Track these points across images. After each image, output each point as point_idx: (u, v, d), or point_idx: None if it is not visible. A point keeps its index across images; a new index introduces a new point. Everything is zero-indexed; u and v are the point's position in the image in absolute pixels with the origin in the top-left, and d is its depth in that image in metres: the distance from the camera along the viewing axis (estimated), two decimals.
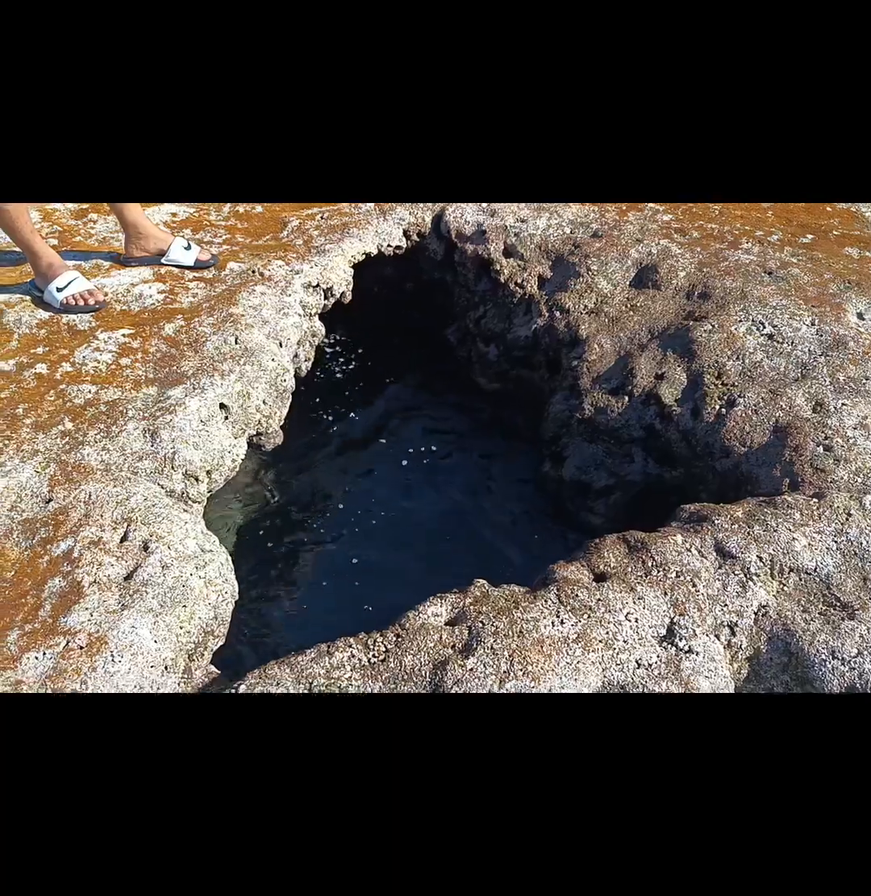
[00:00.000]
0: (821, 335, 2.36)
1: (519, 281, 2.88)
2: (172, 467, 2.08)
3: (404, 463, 2.97)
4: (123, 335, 2.46)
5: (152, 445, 2.11)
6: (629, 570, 1.75)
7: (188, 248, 2.76)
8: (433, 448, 3.05)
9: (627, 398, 2.43)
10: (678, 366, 2.38)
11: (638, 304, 2.64)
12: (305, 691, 1.54)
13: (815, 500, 1.88)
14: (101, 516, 1.91)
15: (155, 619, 1.72)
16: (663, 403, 2.35)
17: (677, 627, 1.64)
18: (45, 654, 1.63)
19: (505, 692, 1.51)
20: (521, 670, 1.53)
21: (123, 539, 1.87)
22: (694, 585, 1.70)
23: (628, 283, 2.74)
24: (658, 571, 1.73)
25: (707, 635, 1.64)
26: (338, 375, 3.30)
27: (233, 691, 1.56)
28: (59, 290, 2.52)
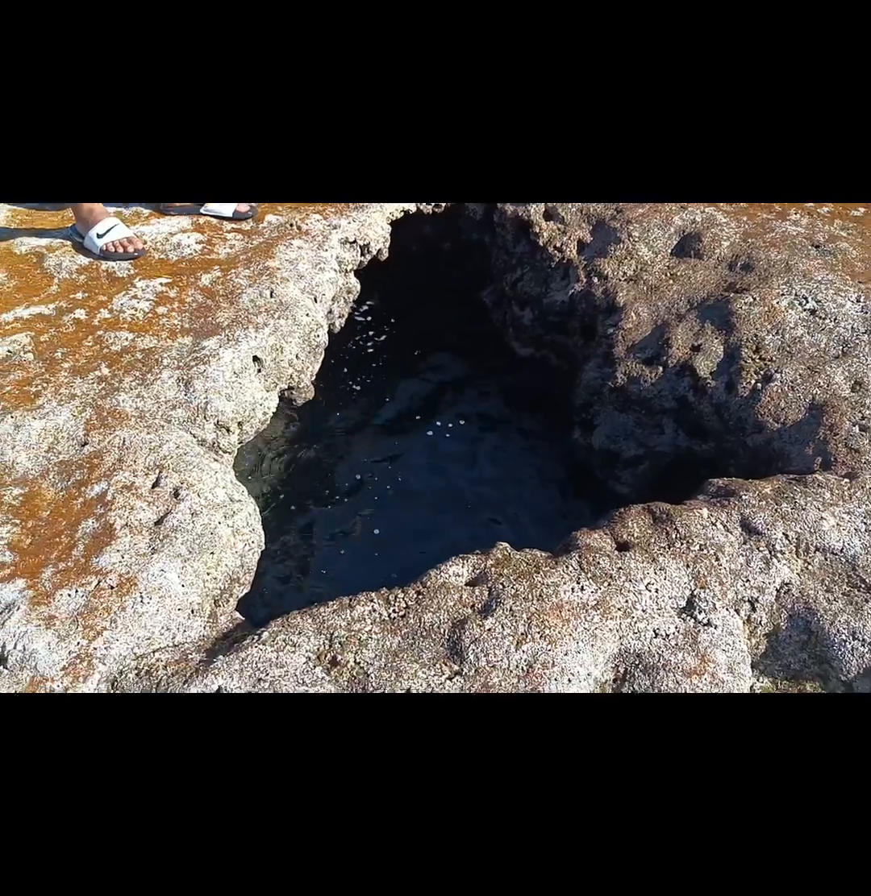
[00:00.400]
0: (866, 312, 2.30)
1: (558, 245, 2.84)
2: (205, 417, 2.11)
3: (432, 426, 2.98)
4: (161, 284, 2.49)
5: (186, 395, 2.14)
6: (653, 540, 1.75)
7: None
8: (462, 410, 3.05)
9: (661, 368, 2.40)
10: (716, 338, 2.34)
11: (679, 273, 2.60)
12: (327, 642, 1.57)
13: (847, 480, 1.86)
14: (135, 462, 1.95)
15: (183, 564, 1.76)
16: (697, 375, 2.32)
17: (697, 600, 1.64)
18: (77, 591, 1.69)
19: (522, 657, 1.53)
20: (538, 633, 1.55)
21: (155, 485, 1.92)
22: (717, 559, 1.70)
23: (669, 251, 2.69)
24: (682, 543, 1.73)
25: (727, 609, 1.64)
26: (370, 334, 3.30)
27: (255, 637, 1.60)
28: (99, 236, 2.54)
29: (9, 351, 2.23)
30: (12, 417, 2.04)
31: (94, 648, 1.61)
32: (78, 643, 1.61)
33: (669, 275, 2.61)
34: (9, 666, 1.58)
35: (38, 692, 1.54)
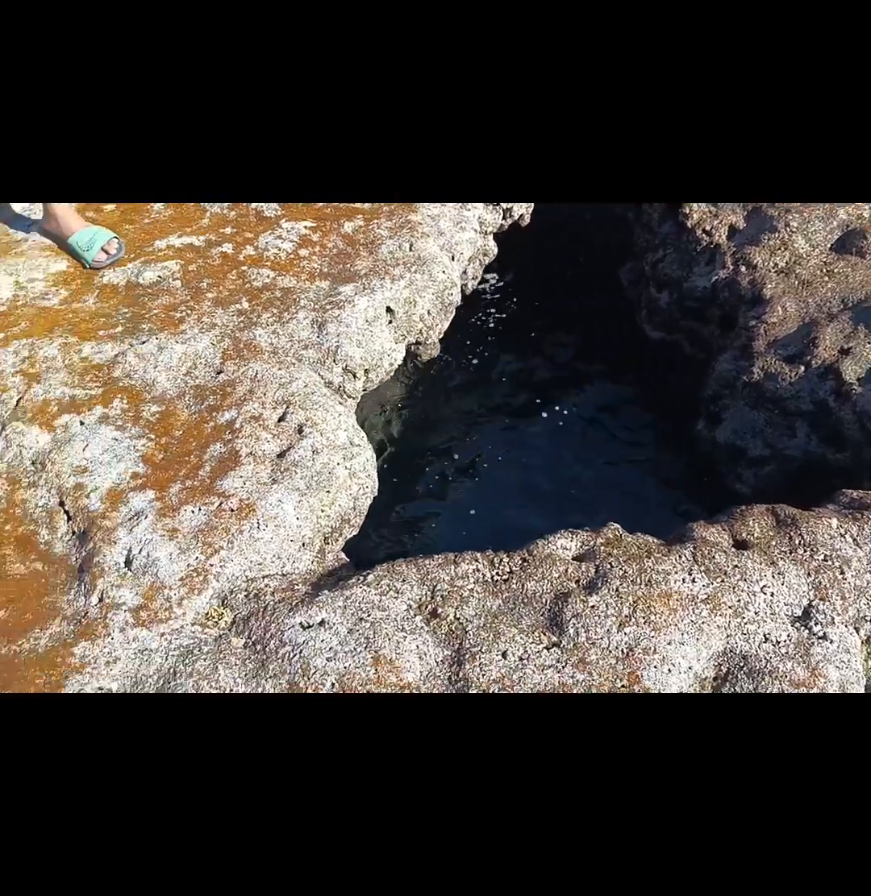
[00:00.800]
0: None
1: (707, 228, 2.72)
2: (334, 360, 2.16)
3: (549, 401, 2.94)
4: (305, 227, 2.54)
5: (318, 336, 2.19)
6: (774, 543, 1.67)
7: None
8: (582, 389, 3.00)
9: (802, 368, 2.27)
10: (869, 342, 2.20)
11: (835, 271, 2.44)
12: (429, 593, 1.60)
13: None
14: (264, 395, 2.02)
15: (300, 499, 1.82)
16: (842, 379, 2.19)
17: (814, 611, 1.56)
18: (200, 509, 1.77)
19: (623, 639, 1.50)
20: (643, 618, 1.52)
21: (281, 419, 1.98)
22: (842, 572, 1.61)
23: (828, 245, 2.53)
24: (805, 551, 1.65)
25: (846, 626, 1.56)
26: (501, 300, 3.28)
27: (361, 578, 1.64)
28: None
29: (159, 276, 2.34)
30: (157, 339, 2.15)
31: (211, 565, 1.69)
32: (197, 557, 1.70)
33: (825, 271, 2.46)
34: (133, 569, 1.68)
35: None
